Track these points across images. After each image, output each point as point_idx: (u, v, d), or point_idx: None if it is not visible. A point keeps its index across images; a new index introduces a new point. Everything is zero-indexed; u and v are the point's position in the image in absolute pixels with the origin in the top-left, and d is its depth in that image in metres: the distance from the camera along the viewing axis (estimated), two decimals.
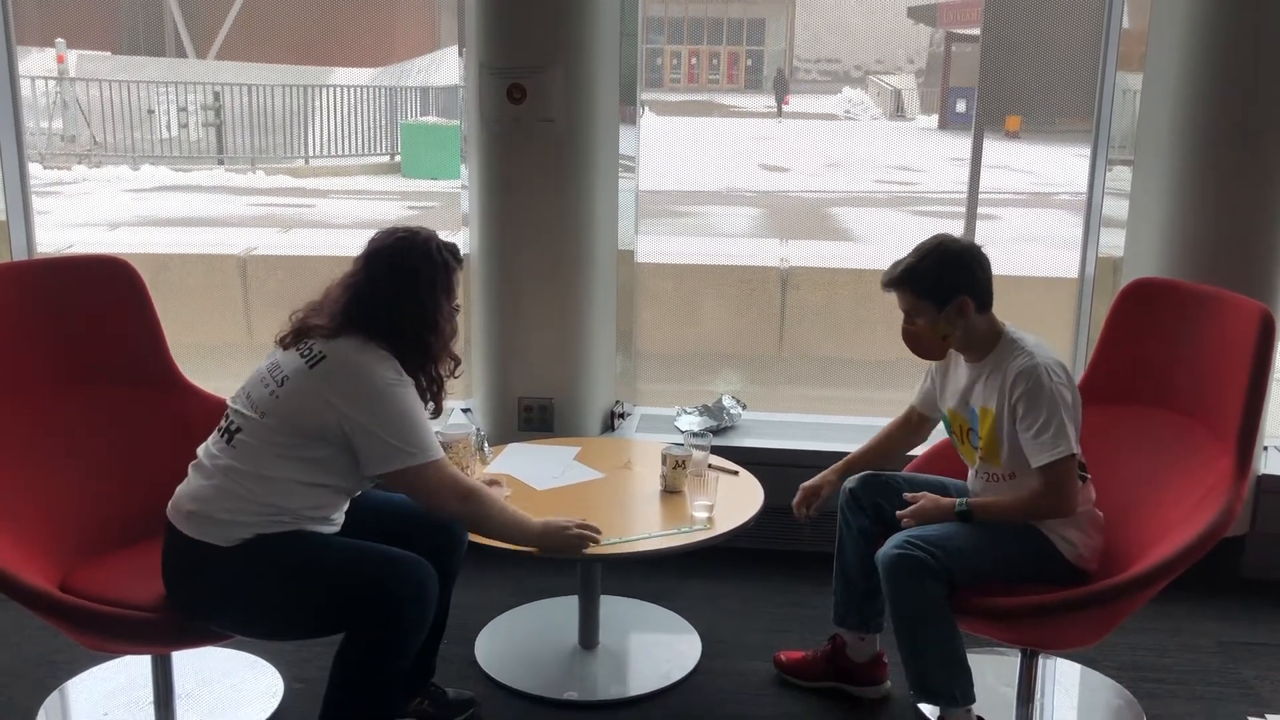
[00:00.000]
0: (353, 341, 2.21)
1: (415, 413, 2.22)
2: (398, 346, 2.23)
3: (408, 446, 2.18)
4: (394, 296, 2.23)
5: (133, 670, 2.78)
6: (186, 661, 2.69)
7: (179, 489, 2.26)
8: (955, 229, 4.58)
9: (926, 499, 2.49)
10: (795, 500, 2.71)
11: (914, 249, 2.45)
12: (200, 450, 2.28)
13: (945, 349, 2.50)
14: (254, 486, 2.17)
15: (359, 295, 2.23)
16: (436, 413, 2.34)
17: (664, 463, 2.76)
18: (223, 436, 2.24)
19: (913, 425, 2.76)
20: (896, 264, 2.44)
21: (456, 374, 2.39)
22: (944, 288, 2.39)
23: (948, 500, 2.47)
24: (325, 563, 2.18)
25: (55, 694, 2.74)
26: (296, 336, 2.25)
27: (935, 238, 2.46)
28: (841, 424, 3.77)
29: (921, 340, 2.47)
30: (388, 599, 2.13)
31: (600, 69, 3.38)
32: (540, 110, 3.30)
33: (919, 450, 2.91)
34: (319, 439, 2.18)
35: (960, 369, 2.55)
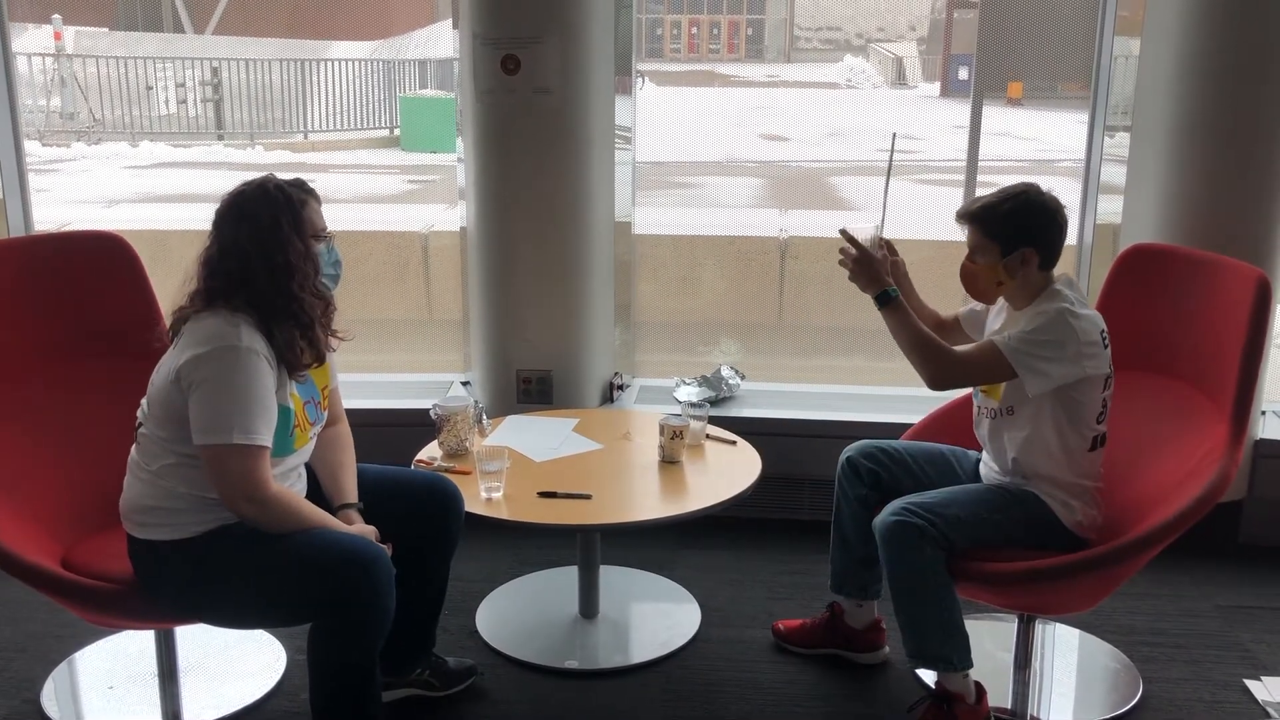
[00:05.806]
0: (211, 312, 2.13)
1: (234, 386, 2.06)
2: (259, 303, 2.13)
3: (210, 420, 2.06)
4: (242, 252, 2.13)
5: (137, 643, 2.80)
6: (190, 634, 2.71)
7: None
8: (955, 197, 4.56)
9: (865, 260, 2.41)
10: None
11: (1000, 189, 2.42)
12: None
13: (997, 295, 2.48)
14: (154, 482, 2.16)
15: (212, 266, 2.16)
16: (319, 359, 2.24)
17: (661, 433, 2.77)
18: (135, 430, 2.23)
19: (947, 327, 2.67)
20: (975, 199, 2.44)
21: (327, 317, 2.25)
22: (1012, 234, 2.38)
23: (882, 276, 2.40)
24: (274, 561, 2.11)
25: (61, 666, 2.77)
26: (174, 327, 2.19)
27: (1023, 184, 2.43)
28: (840, 393, 3.78)
29: (977, 279, 2.45)
30: (342, 596, 2.07)
31: (595, 40, 3.36)
32: (535, 81, 3.29)
33: (915, 418, 2.92)
34: (183, 420, 2.10)
35: (1002, 315, 2.54)
